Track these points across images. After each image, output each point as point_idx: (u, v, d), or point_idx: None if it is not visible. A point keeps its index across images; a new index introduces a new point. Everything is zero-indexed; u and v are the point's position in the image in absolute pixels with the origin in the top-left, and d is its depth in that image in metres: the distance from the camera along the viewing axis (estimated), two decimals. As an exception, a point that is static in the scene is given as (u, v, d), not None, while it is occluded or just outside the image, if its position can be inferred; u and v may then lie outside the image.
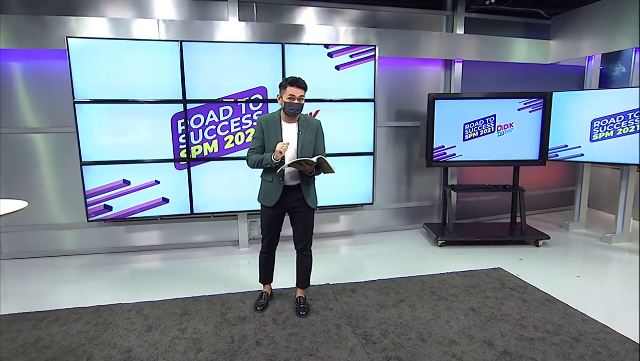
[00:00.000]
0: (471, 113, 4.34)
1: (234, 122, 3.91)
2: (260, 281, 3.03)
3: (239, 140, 3.94)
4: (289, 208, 2.72)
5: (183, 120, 3.80)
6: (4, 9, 3.72)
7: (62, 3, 3.82)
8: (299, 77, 2.55)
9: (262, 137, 2.60)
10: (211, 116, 3.85)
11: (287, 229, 2.89)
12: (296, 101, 2.52)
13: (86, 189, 3.73)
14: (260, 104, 3.94)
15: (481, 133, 4.36)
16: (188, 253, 4.23)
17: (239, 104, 3.89)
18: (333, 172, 2.55)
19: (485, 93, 4.36)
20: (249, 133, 3.93)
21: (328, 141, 4.04)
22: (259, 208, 2.80)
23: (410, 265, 3.82)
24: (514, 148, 4.37)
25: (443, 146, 4.39)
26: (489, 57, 4.87)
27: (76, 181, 3.79)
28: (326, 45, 4.03)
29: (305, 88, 2.56)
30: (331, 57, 4.05)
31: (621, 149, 4.07)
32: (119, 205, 3.82)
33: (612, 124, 4.11)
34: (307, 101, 3.93)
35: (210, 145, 3.90)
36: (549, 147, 4.42)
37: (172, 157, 3.86)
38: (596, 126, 4.22)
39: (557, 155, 4.47)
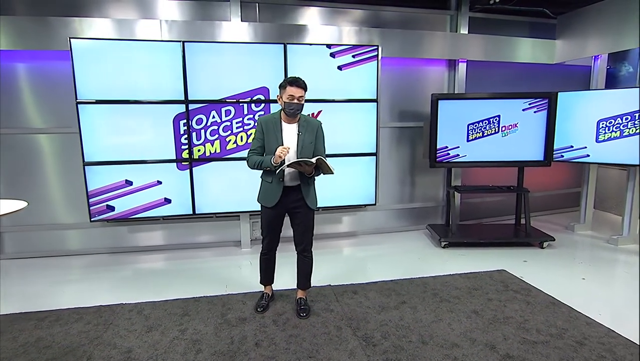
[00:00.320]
0: (475, 113, 4.29)
1: (236, 123, 3.90)
2: (261, 283, 3.02)
3: (241, 140, 3.93)
4: (289, 209, 2.71)
5: (185, 120, 3.80)
6: (8, 10, 3.74)
7: (66, 4, 3.85)
8: (299, 77, 2.54)
9: (263, 137, 2.59)
10: (213, 117, 3.85)
11: (287, 230, 2.88)
12: (296, 101, 2.51)
13: (89, 190, 3.74)
14: (263, 105, 3.93)
15: (485, 134, 4.31)
16: (190, 253, 4.23)
17: (241, 104, 3.88)
18: (332, 173, 2.53)
19: (490, 93, 4.32)
20: (250, 134, 3.92)
21: (331, 142, 4.07)
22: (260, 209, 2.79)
23: (412, 267, 3.79)
24: (518, 149, 4.33)
25: (446, 147, 4.35)
26: (493, 57, 4.82)
27: (79, 181, 3.81)
28: (328, 46, 4.02)
29: (305, 88, 2.54)
30: (334, 57, 4.03)
31: (628, 149, 4.01)
32: (122, 205, 3.83)
33: (618, 125, 4.05)
34: (310, 101, 3.98)
35: (212, 145, 3.89)
36: (554, 148, 4.36)
37: (174, 157, 3.86)
38: (602, 127, 4.16)
39: (563, 156, 4.42)
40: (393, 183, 4.90)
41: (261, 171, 2.70)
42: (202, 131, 3.86)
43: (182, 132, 3.83)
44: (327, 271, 3.66)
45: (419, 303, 3.01)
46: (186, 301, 3.07)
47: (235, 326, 2.70)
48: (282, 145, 2.54)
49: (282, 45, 3.90)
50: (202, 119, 3.83)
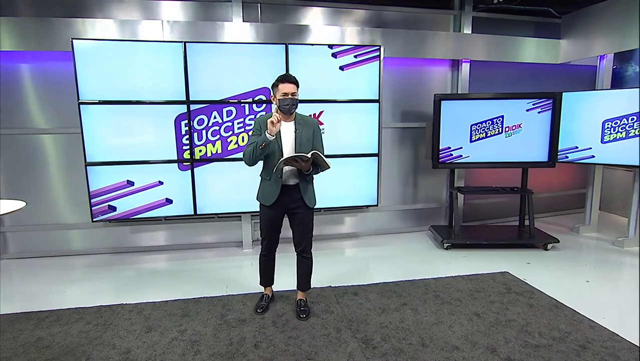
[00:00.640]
0: (478, 114, 4.26)
1: (238, 123, 3.90)
2: (261, 284, 3.01)
3: (243, 141, 3.93)
4: (287, 209, 2.70)
5: (187, 121, 3.80)
6: (11, 11, 3.77)
7: (68, 5, 3.86)
8: (289, 74, 2.56)
9: (260, 134, 2.57)
10: (215, 117, 3.85)
11: (287, 231, 2.86)
12: (289, 97, 2.50)
13: (91, 190, 3.75)
14: (264, 105, 3.92)
15: (488, 134, 4.28)
16: (192, 253, 4.23)
17: (242, 105, 3.88)
18: (329, 167, 2.52)
19: (493, 94, 4.28)
20: (252, 134, 3.91)
21: (333, 142, 4.12)
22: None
23: (414, 268, 3.76)
24: (522, 150, 4.28)
25: (449, 148, 4.32)
26: (497, 57, 4.78)
27: (82, 181, 3.82)
28: (330, 46, 4.00)
29: (296, 83, 2.55)
30: (335, 57, 4.01)
31: (634, 150, 3.96)
32: (123, 206, 3.83)
33: (624, 125, 4.00)
34: (311, 101, 4.01)
35: (213, 146, 3.89)
36: (559, 148, 4.31)
37: (175, 158, 3.86)
38: (607, 127, 4.11)
39: (567, 157, 4.37)
40: (396, 183, 4.87)
41: (260, 169, 2.69)
42: (204, 132, 3.85)
43: (183, 132, 3.83)
44: (328, 272, 3.64)
45: (420, 305, 2.98)
46: (186, 302, 3.06)
47: (235, 327, 2.69)
48: (279, 143, 2.55)
49: (284, 45, 3.89)
50: (203, 119, 3.83)
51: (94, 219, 3.82)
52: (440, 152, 4.32)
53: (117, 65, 3.63)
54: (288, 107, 2.52)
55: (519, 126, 4.25)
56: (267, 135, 2.46)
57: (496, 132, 4.27)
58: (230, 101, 3.87)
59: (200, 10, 4.12)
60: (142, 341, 2.53)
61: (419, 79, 4.78)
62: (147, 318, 2.82)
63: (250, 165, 2.60)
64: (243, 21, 4.10)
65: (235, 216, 4.30)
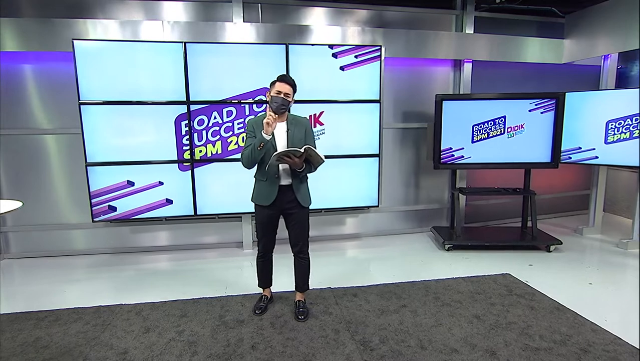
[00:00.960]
0: (480, 114, 4.22)
1: (238, 124, 3.89)
2: (259, 286, 3.00)
3: (243, 141, 3.92)
4: (282, 210, 2.68)
5: (187, 121, 3.80)
6: (14, 12, 3.78)
7: (70, 6, 3.88)
8: (288, 75, 2.58)
9: (254, 136, 2.57)
10: (215, 117, 3.84)
11: (285, 231, 2.84)
12: (281, 96, 2.49)
13: (91, 190, 3.76)
14: (264, 105, 3.92)
15: (490, 135, 4.24)
16: (192, 254, 4.23)
17: (242, 105, 3.88)
18: (323, 161, 2.52)
19: (495, 94, 4.24)
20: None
21: (333, 143, 4.13)
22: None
23: (415, 269, 3.74)
24: (524, 150, 4.24)
25: (451, 148, 4.29)
26: (499, 57, 4.75)
27: (83, 181, 3.82)
28: (331, 46, 3.99)
29: (292, 85, 2.54)
30: (336, 57, 4.00)
31: (638, 151, 3.90)
32: (124, 206, 3.84)
33: (628, 126, 3.95)
34: (312, 102, 4.01)
35: (213, 146, 3.89)
36: (562, 149, 4.27)
37: (175, 158, 3.86)
38: (611, 128, 4.06)
39: (570, 157, 4.32)
40: (397, 184, 4.85)
41: (255, 170, 2.68)
42: (204, 132, 3.85)
43: (183, 133, 3.83)
44: (327, 273, 3.63)
45: (419, 307, 2.96)
46: (185, 303, 3.06)
47: (233, 329, 2.68)
48: (273, 144, 2.54)
49: (284, 45, 3.88)
50: (203, 119, 3.83)
51: (95, 220, 3.83)
52: (441, 153, 4.28)
53: (117, 65, 3.64)
54: (277, 106, 2.49)
55: (522, 126, 4.21)
56: (264, 135, 2.45)
57: (498, 133, 4.23)
58: (231, 101, 3.86)
59: (201, 10, 4.12)
60: (140, 342, 2.53)
61: (421, 80, 4.76)
62: (145, 319, 2.82)
63: (248, 168, 2.60)
64: (243, 21, 4.10)
65: (236, 217, 4.30)
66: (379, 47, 4.07)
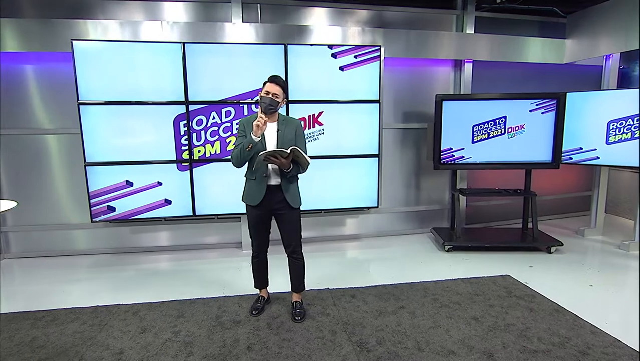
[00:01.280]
0: (480, 115, 4.20)
1: (236, 124, 3.88)
2: (255, 286, 2.99)
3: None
4: (272, 210, 2.67)
5: (185, 121, 3.80)
6: (16, 13, 3.80)
7: (71, 6, 3.89)
8: (278, 76, 2.56)
9: (245, 136, 2.56)
10: (213, 118, 3.84)
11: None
12: (270, 96, 2.49)
13: (90, 190, 3.76)
14: (263, 106, 3.90)
15: (491, 135, 4.21)
16: (192, 254, 4.23)
17: (241, 105, 3.87)
18: (308, 163, 2.53)
19: (495, 94, 4.21)
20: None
21: (333, 143, 4.11)
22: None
23: (414, 270, 3.72)
24: (525, 151, 4.21)
25: (451, 149, 4.26)
26: (500, 57, 4.72)
27: (83, 181, 3.82)
28: (330, 46, 3.97)
29: (281, 86, 2.54)
30: (335, 57, 3.98)
31: (638, 152, 3.86)
32: (122, 206, 3.84)
33: (629, 126, 3.92)
34: (311, 102, 3.99)
35: (212, 147, 3.88)
36: (563, 150, 4.24)
37: (174, 158, 3.86)
38: (613, 128, 4.03)
39: (572, 158, 4.29)
40: (397, 185, 4.83)
41: (245, 170, 2.68)
42: (203, 132, 3.85)
43: (182, 133, 3.82)
44: (326, 274, 3.61)
45: (417, 308, 2.94)
46: (182, 303, 3.05)
47: (229, 329, 2.67)
48: (264, 144, 2.54)
49: (283, 45, 3.87)
50: (202, 120, 3.83)
51: (93, 219, 3.83)
52: (441, 154, 4.26)
53: (116, 65, 3.64)
54: (265, 106, 2.50)
55: (522, 127, 4.19)
56: (253, 137, 2.45)
57: (498, 133, 4.21)
58: (229, 101, 3.86)
59: (201, 10, 4.12)
60: (136, 343, 2.53)
61: (421, 80, 4.73)
62: (142, 319, 2.81)
63: (238, 167, 2.60)
64: (243, 22, 4.09)
65: (235, 217, 4.29)
66: (378, 47, 4.06)
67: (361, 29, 4.28)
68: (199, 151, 3.88)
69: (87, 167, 3.73)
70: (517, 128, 4.19)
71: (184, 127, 3.81)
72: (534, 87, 5.01)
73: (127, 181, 3.81)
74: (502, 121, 4.19)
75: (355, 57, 4.02)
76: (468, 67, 4.69)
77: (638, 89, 3.88)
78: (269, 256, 2.93)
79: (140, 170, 3.82)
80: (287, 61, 3.88)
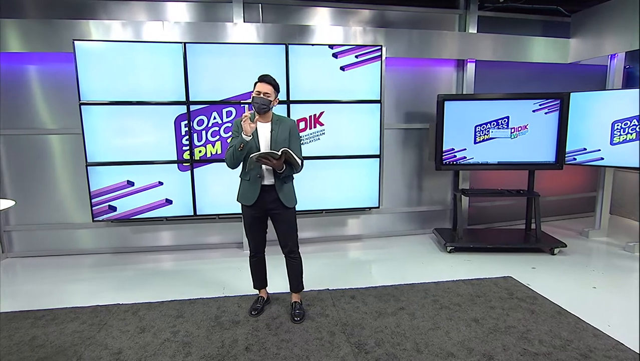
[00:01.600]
0: (483, 115, 4.17)
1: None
2: (254, 287, 2.98)
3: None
4: (266, 210, 2.66)
5: (186, 121, 3.81)
6: (20, 14, 3.83)
7: (74, 7, 3.91)
8: (268, 75, 2.56)
9: (238, 136, 2.55)
10: (214, 118, 3.84)
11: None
12: (261, 96, 2.50)
13: (91, 190, 3.78)
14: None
15: (493, 136, 4.18)
16: (193, 254, 4.23)
17: (242, 105, 3.87)
18: (299, 165, 2.55)
19: (498, 94, 4.18)
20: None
21: (334, 143, 4.10)
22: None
23: (415, 271, 3.69)
24: (528, 151, 4.17)
25: (453, 149, 4.24)
26: (504, 57, 4.68)
27: (85, 181, 3.84)
28: (331, 46, 3.96)
29: (272, 85, 2.54)
30: (336, 57, 3.97)
31: (638, 152, 3.82)
32: (123, 206, 3.85)
33: (634, 126, 3.87)
34: (312, 102, 3.98)
35: (213, 147, 3.89)
36: (567, 150, 4.20)
37: (175, 158, 3.86)
38: (617, 128, 3.99)
39: (575, 159, 4.25)
40: (399, 185, 4.80)
41: (240, 170, 2.67)
42: (203, 132, 3.85)
43: (183, 133, 3.83)
44: (326, 274, 3.60)
45: (417, 310, 2.91)
46: (182, 303, 3.05)
47: (228, 330, 2.66)
48: (257, 144, 2.54)
49: (284, 45, 3.86)
50: (203, 120, 3.83)
51: (95, 219, 3.84)
52: (443, 154, 4.23)
53: (118, 66, 3.66)
54: (258, 106, 2.51)
55: (525, 127, 4.15)
56: (244, 136, 2.45)
57: (501, 134, 4.16)
58: (230, 101, 3.86)
59: (202, 11, 4.13)
60: (135, 342, 2.53)
61: (424, 80, 4.71)
62: (141, 319, 2.82)
63: (232, 168, 2.60)
64: (244, 22, 4.09)
65: (236, 217, 4.29)
66: (379, 47, 4.04)
67: (363, 29, 4.26)
68: (200, 151, 3.88)
69: (88, 167, 3.74)
70: (520, 128, 4.16)
71: (185, 127, 3.82)
72: (538, 87, 4.96)
73: (128, 181, 3.82)
74: (504, 121, 4.15)
75: (356, 57, 4.01)
76: (471, 67, 4.66)
77: (638, 89, 3.84)
78: (267, 257, 2.92)
79: (141, 170, 3.83)
80: (288, 61, 3.87)
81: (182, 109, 3.79)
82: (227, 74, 3.82)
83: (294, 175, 2.70)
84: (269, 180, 2.59)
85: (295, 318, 2.75)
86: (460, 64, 4.73)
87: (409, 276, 3.57)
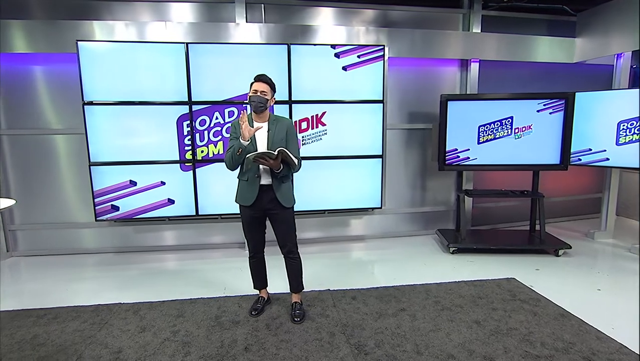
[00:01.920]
0: (486, 115, 4.13)
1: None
2: (255, 287, 2.98)
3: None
4: (264, 210, 2.66)
5: (189, 121, 3.82)
6: (25, 15, 3.86)
7: (79, 8, 3.94)
8: (264, 74, 2.57)
9: (237, 137, 2.56)
10: (216, 118, 3.85)
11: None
12: (258, 94, 2.51)
13: (94, 190, 3.80)
14: (266, 106, 3.90)
15: (497, 136, 4.14)
16: (196, 254, 4.24)
17: (244, 105, 3.87)
18: (296, 165, 2.54)
19: (501, 94, 4.14)
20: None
21: (336, 144, 4.09)
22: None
23: (417, 272, 3.67)
24: (533, 152, 4.13)
25: (456, 149, 4.21)
26: (508, 57, 4.64)
27: (88, 181, 3.87)
28: (333, 46, 3.95)
29: (268, 83, 2.55)
30: (338, 57, 3.96)
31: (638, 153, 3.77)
32: (126, 205, 3.87)
33: (640, 127, 3.82)
34: (313, 102, 3.97)
35: (215, 147, 3.89)
36: (572, 151, 4.15)
37: (177, 158, 3.87)
38: (623, 129, 3.93)
39: (580, 159, 4.20)
40: (402, 186, 4.78)
41: (238, 172, 2.67)
42: (206, 132, 3.86)
43: (185, 133, 3.84)
44: (327, 275, 3.59)
45: (418, 311, 2.89)
46: (183, 303, 3.06)
47: (228, 330, 2.66)
48: (255, 144, 2.55)
49: (286, 45, 3.86)
50: (205, 120, 3.84)
51: (97, 219, 3.87)
52: (446, 154, 4.21)
53: (121, 66, 3.67)
54: (255, 105, 2.52)
55: (529, 127, 4.11)
56: (242, 141, 2.46)
57: (505, 134, 4.14)
58: (232, 101, 3.86)
59: (205, 11, 4.14)
60: (135, 341, 2.53)
61: (427, 80, 4.68)
62: (142, 318, 2.82)
63: (231, 170, 2.61)
64: (246, 22, 4.09)
65: (238, 217, 4.24)
66: (382, 47, 4.02)
67: (365, 29, 4.25)
68: (202, 151, 3.89)
69: (91, 166, 3.76)
70: (524, 129, 4.12)
71: (187, 127, 3.83)
72: (543, 87, 4.92)
73: (130, 180, 3.84)
74: (508, 121, 4.12)
75: (358, 57, 3.99)
76: (474, 67, 4.63)
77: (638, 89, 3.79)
78: (267, 257, 2.92)
79: (143, 170, 3.84)
80: (290, 61, 3.87)
81: (185, 109, 3.80)
82: (229, 74, 3.82)
83: (292, 175, 2.69)
84: (266, 180, 2.59)
85: (295, 319, 2.74)
86: (464, 64, 4.70)
87: (411, 277, 3.55)
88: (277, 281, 3.19)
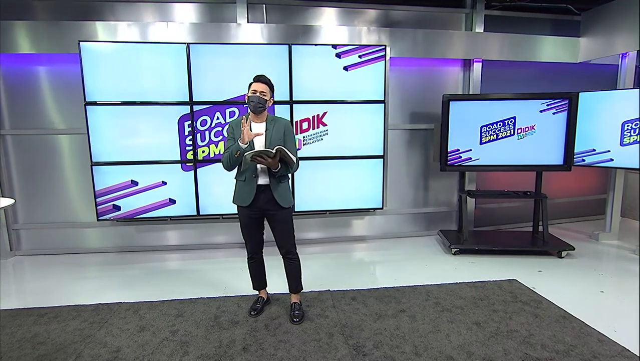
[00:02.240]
0: (489, 115, 4.10)
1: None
2: (254, 288, 2.98)
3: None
4: (262, 210, 2.65)
5: (190, 122, 3.83)
6: (30, 16, 3.89)
7: (82, 9, 3.97)
8: (263, 75, 2.57)
9: (234, 137, 2.56)
10: (217, 118, 3.85)
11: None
12: (257, 95, 2.50)
13: (96, 189, 3.82)
14: (267, 106, 3.90)
15: (499, 136, 4.12)
16: (197, 254, 4.25)
17: (245, 105, 3.87)
18: (294, 163, 2.53)
19: (504, 94, 4.11)
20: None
21: (337, 144, 4.07)
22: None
23: (418, 273, 3.65)
24: (536, 152, 4.10)
25: (458, 150, 4.18)
26: (511, 57, 4.61)
27: (90, 181, 3.89)
28: (334, 46, 3.95)
29: (267, 84, 2.55)
30: (339, 57, 3.96)
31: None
32: (127, 205, 3.88)
33: (645, 127, 3.78)
34: (315, 102, 3.96)
35: (216, 147, 3.90)
36: (575, 151, 4.11)
37: (178, 158, 3.88)
38: (627, 129, 3.89)
39: (584, 160, 4.16)
40: (404, 186, 4.76)
41: (235, 172, 2.67)
42: (207, 132, 3.87)
43: (186, 133, 3.85)
44: (328, 275, 3.58)
45: (418, 312, 2.88)
46: (182, 302, 3.06)
47: (227, 330, 2.66)
48: (252, 145, 2.54)
49: (287, 46, 3.86)
50: (206, 120, 3.84)
51: (99, 218, 3.88)
52: (448, 155, 4.18)
53: (123, 66, 3.69)
54: (254, 105, 2.51)
55: (532, 127, 4.07)
56: (240, 144, 2.45)
57: (508, 134, 4.10)
58: (233, 101, 3.86)
59: (207, 11, 4.15)
60: (134, 341, 2.54)
61: (430, 80, 4.66)
62: (141, 318, 2.83)
63: (228, 170, 2.61)
64: (248, 22, 4.10)
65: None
66: (383, 47, 4.01)
67: (367, 29, 4.24)
68: (203, 151, 3.90)
69: (93, 166, 3.78)
70: (527, 129, 4.09)
71: (189, 127, 3.84)
72: (546, 87, 4.88)
73: (132, 180, 3.85)
74: (511, 121, 4.09)
75: (360, 57, 3.98)
76: (477, 67, 4.60)
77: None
78: (266, 257, 2.91)
79: (145, 170, 3.86)
80: (292, 61, 3.87)
81: (186, 110, 3.81)
82: (230, 75, 3.83)
83: (289, 175, 2.69)
84: (264, 180, 2.58)
85: (294, 319, 2.73)
86: (467, 64, 4.67)
87: (412, 278, 3.53)
88: (277, 282, 3.18)
